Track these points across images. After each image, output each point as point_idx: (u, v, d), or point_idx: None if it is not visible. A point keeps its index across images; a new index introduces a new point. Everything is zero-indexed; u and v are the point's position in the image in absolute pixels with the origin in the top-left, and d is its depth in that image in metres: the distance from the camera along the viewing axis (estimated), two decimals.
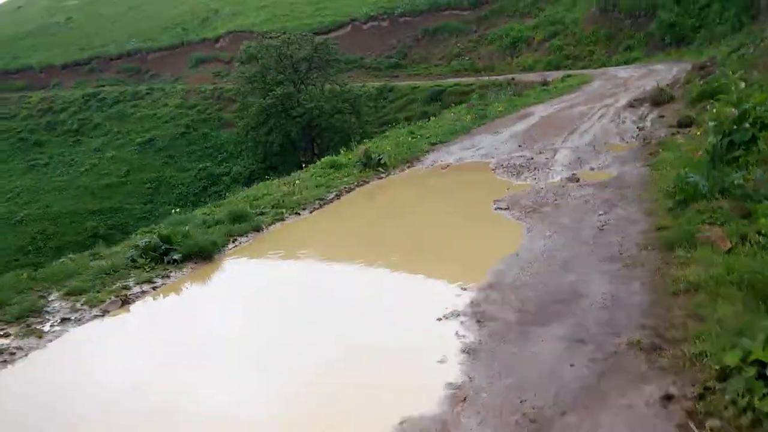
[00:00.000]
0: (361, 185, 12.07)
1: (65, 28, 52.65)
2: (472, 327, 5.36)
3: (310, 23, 42.22)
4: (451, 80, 36.75)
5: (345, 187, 11.67)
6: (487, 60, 41.20)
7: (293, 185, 12.02)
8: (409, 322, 5.79)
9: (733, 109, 8.54)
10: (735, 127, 8.45)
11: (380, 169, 12.96)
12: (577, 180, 10.55)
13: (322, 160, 14.33)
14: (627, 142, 13.34)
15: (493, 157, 13.57)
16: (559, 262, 6.72)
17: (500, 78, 32.71)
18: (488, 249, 7.64)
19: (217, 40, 44.22)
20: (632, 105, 17.75)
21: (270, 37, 32.55)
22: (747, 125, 8.41)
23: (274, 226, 9.52)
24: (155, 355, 5.68)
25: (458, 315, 5.64)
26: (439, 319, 5.60)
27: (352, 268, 7.67)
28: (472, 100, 22.73)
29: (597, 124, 15.80)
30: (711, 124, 8.69)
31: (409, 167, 13.64)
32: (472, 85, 32.97)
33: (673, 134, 13.01)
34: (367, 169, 12.91)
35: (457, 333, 5.27)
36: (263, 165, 29.40)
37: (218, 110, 36.89)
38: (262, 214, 9.93)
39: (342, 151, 15.86)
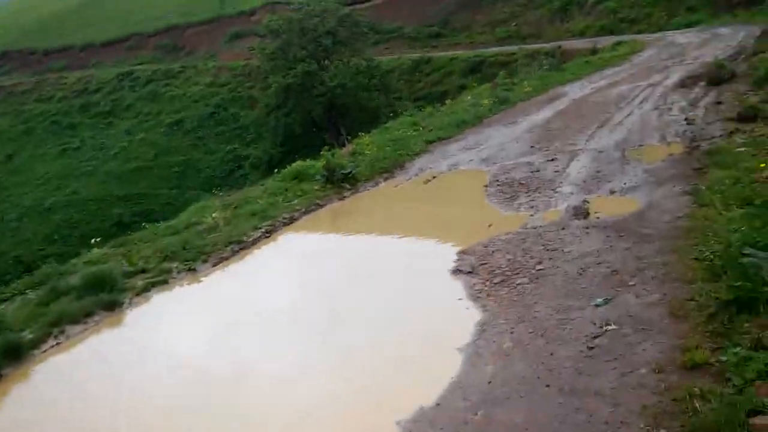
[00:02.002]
0: (310, 211, 9.01)
1: (108, 3, 50.31)
2: None
3: None
4: (493, 50, 32.75)
5: (283, 218, 8.61)
6: (535, 26, 36.80)
7: (228, 210, 9.08)
8: None
9: None
10: None
11: (346, 184, 9.86)
12: (586, 215, 7.18)
13: (288, 168, 11.31)
14: (668, 142, 9.75)
15: (494, 163, 10.25)
16: None
17: (547, 46, 28.59)
18: (384, 394, 4.48)
19: (252, 12, 41.26)
20: (684, 84, 13.89)
21: (293, 9, 29.45)
22: None
23: (146, 294, 6.59)
24: None
25: None
26: None
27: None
28: (497, 78, 19.12)
29: (636, 113, 12.13)
30: None
31: (387, 179, 10.47)
32: (514, 54, 29.06)
33: (731, 133, 9.37)
34: (328, 186, 9.84)
35: None
36: (283, 149, 26.53)
37: (249, 88, 34.15)
38: (143, 271, 7.03)
39: (327, 151, 12.80)
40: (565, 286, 5.37)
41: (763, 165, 7.21)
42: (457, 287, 5.83)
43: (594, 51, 23.56)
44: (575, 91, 15.82)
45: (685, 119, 10.90)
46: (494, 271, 5.95)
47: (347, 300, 6.11)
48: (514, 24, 37.70)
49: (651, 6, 32.26)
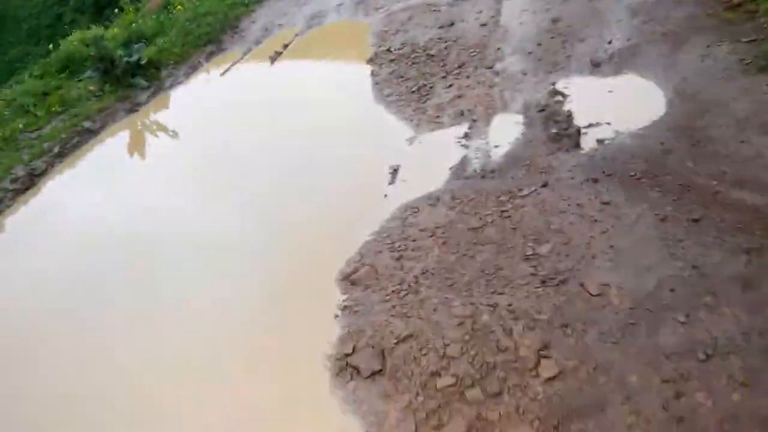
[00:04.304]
0: (67, 153, 4.65)
1: None
2: None
3: None
4: None
5: (15, 178, 4.32)
6: None
7: None
8: None
9: None
10: None
11: (139, 79, 5.39)
12: (577, 138, 3.42)
13: (55, 52, 6.51)
14: None
15: (376, 9, 6.00)
16: None
17: None
18: None
19: None
20: None
21: None
22: None
23: None
24: None
25: None
26: None
27: None
28: None
29: None
30: None
31: (211, 55, 6.02)
32: None
33: None
34: (108, 86, 5.36)
35: None
36: None
37: None
38: None
39: (123, 12, 7.94)
40: None
41: None
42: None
43: None
44: None
45: None
46: None
47: None
48: None
49: None
